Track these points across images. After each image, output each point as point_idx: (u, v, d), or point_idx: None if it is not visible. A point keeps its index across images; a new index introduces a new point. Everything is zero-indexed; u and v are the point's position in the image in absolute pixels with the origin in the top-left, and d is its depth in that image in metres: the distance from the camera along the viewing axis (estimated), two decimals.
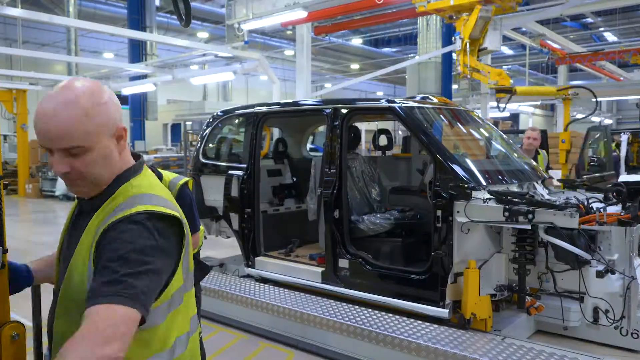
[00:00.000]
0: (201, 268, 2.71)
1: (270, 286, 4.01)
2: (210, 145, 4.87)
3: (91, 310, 0.93)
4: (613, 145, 9.71)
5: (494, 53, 15.67)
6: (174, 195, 2.40)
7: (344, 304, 3.53)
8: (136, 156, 1.23)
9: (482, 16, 5.40)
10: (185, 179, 2.56)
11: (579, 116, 5.80)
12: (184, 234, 1.11)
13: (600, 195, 3.44)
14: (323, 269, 3.82)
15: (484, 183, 3.28)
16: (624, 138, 6.75)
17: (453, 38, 5.86)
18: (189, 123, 18.00)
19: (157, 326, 1.07)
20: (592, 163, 5.64)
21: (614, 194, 3.23)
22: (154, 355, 1.07)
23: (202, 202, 4.58)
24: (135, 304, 0.95)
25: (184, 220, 1.13)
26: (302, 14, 7.48)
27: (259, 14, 7.67)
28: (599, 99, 5.69)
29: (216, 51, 9.72)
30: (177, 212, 1.11)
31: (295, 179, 5.25)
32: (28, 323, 4.12)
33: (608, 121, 25.28)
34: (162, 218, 1.06)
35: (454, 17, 5.80)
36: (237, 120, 4.85)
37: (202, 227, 2.70)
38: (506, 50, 21.60)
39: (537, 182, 3.75)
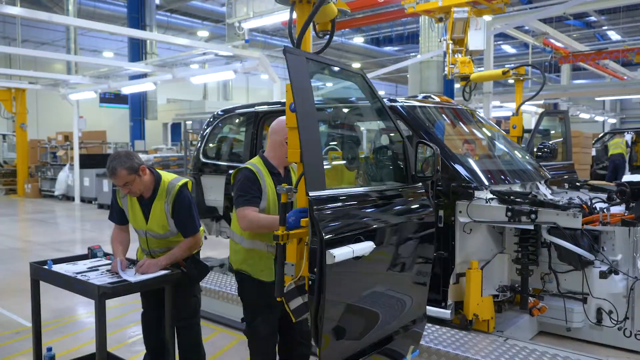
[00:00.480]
0: (200, 268, 2.71)
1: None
2: (211, 144, 4.85)
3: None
4: (621, 143, 9.61)
5: (496, 52, 15.63)
6: (172, 197, 2.40)
7: None
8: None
9: (458, 18, 5.52)
10: (184, 180, 2.58)
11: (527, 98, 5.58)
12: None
13: (604, 195, 3.42)
14: None
15: (486, 183, 3.26)
16: (628, 138, 6.70)
17: (439, 40, 6.05)
18: (189, 122, 17.98)
19: None
20: (540, 152, 4.71)
21: (618, 194, 3.20)
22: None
23: (202, 202, 4.55)
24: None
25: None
26: None
27: (259, 13, 7.65)
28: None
29: (216, 50, 9.69)
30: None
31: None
32: (27, 324, 4.12)
33: (612, 120, 25.12)
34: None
35: (444, 19, 5.91)
36: (237, 120, 4.82)
37: (202, 227, 2.72)
38: (509, 49, 21.55)
39: (540, 182, 3.73)
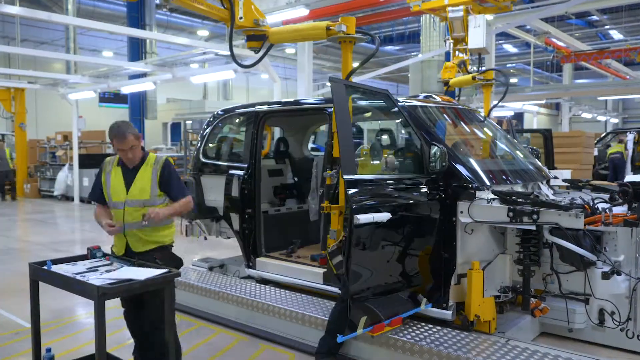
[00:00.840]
0: (177, 261, 2.82)
1: (271, 287, 3.99)
2: (211, 144, 4.83)
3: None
4: (620, 145, 9.55)
5: (497, 51, 15.51)
6: (161, 164, 2.92)
7: None
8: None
9: (452, 17, 5.46)
10: (166, 156, 2.92)
11: (494, 102, 5.48)
12: None
13: (606, 196, 3.40)
14: (325, 270, 3.78)
15: (487, 183, 3.25)
16: (630, 138, 6.68)
17: (444, 40, 6.01)
18: (189, 122, 17.95)
19: None
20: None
21: (620, 194, 3.18)
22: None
23: (202, 202, 4.54)
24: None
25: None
26: (304, 11, 7.42)
27: None
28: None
29: (216, 49, 9.67)
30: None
31: (296, 179, 5.21)
32: (26, 324, 4.08)
33: (614, 120, 25.03)
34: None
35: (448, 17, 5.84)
36: (237, 120, 4.81)
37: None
38: (510, 49, 21.47)
39: (541, 182, 3.71)
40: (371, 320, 2.87)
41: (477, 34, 5.36)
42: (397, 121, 3.96)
